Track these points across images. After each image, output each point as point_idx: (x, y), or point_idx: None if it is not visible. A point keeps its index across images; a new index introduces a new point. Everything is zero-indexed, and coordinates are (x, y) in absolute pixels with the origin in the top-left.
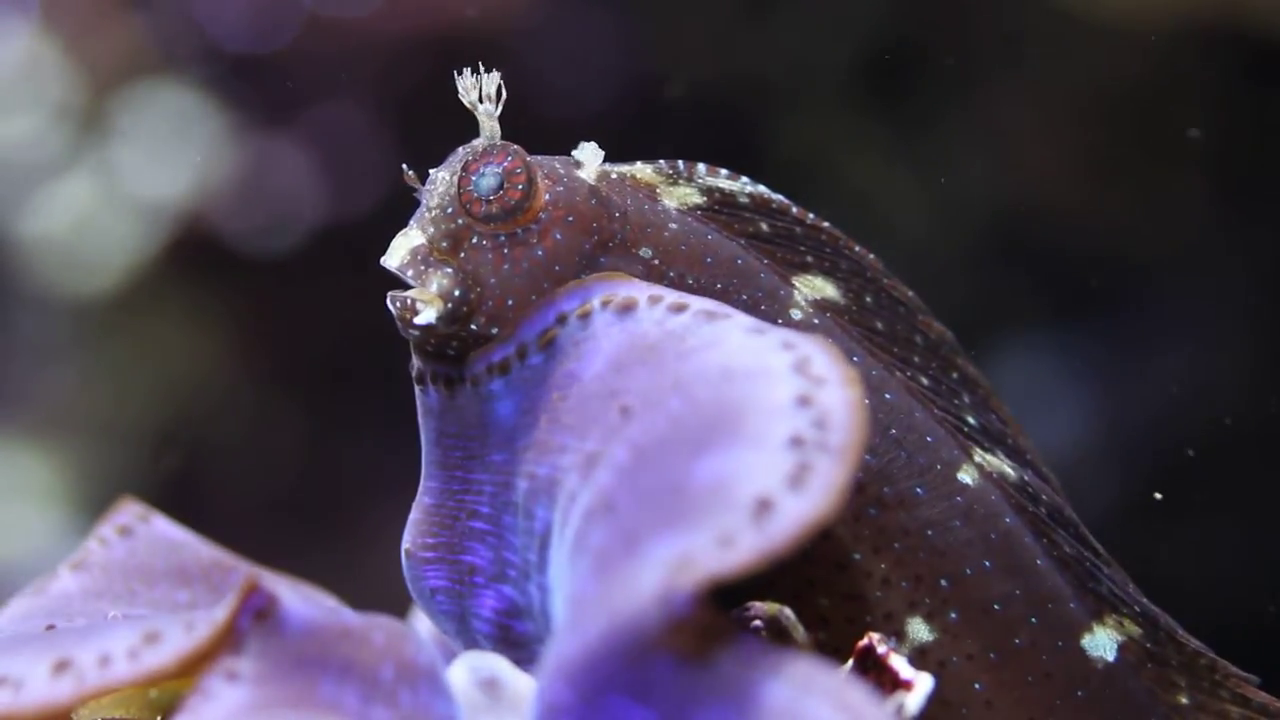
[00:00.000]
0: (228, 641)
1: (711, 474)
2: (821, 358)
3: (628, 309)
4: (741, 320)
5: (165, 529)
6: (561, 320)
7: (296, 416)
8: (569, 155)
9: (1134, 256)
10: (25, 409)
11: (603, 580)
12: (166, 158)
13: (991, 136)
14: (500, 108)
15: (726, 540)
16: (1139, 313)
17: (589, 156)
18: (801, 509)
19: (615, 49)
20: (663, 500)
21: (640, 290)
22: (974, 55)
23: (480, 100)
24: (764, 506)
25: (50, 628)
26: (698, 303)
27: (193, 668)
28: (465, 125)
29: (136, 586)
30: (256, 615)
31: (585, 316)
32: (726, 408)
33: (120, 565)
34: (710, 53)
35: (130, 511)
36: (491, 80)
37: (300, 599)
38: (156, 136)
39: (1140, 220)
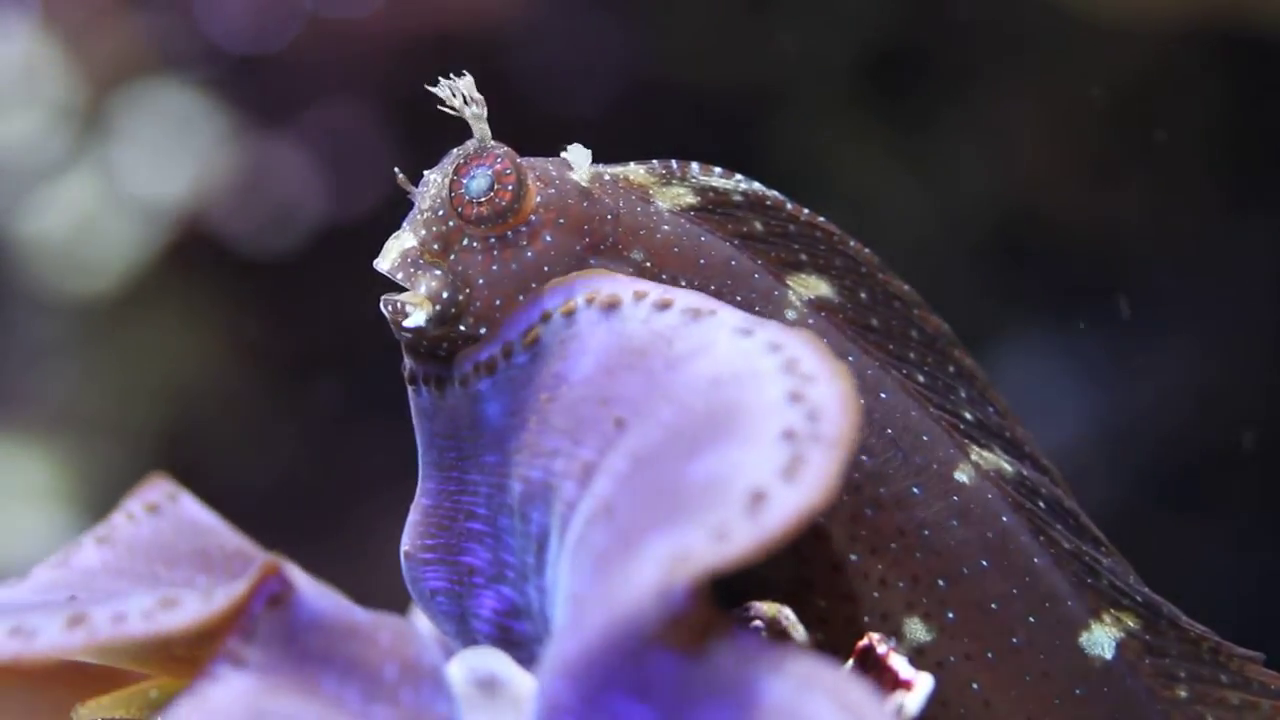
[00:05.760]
0: (239, 622)
1: (706, 472)
2: (810, 356)
3: (612, 306)
4: (728, 319)
5: (193, 510)
6: (545, 318)
7: (296, 416)
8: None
9: (1134, 256)
10: (25, 409)
11: (602, 579)
12: (166, 158)
13: (991, 136)
14: (485, 109)
15: (722, 533)
16: (1139, 312)
17: (578, 158)
18: (796, 499)
19: (615, 49)
20: (660, 501)
21: (624, 286)
22: (974, 55)
23: (465, 103)
24: (758, 499)
25: (72, 599)
26: (683, 299)
27: (203, 640)
28: (465, 125)
29: (158, 568)
30: (270, 600)
31: (569, 314)
32: (719, 411)
33: (145, 544)
34: (711, 52)
35: (160, 489)
36: (467, 83)
37: (316, 591)
38: (156, 136)
39: (1140, 220)
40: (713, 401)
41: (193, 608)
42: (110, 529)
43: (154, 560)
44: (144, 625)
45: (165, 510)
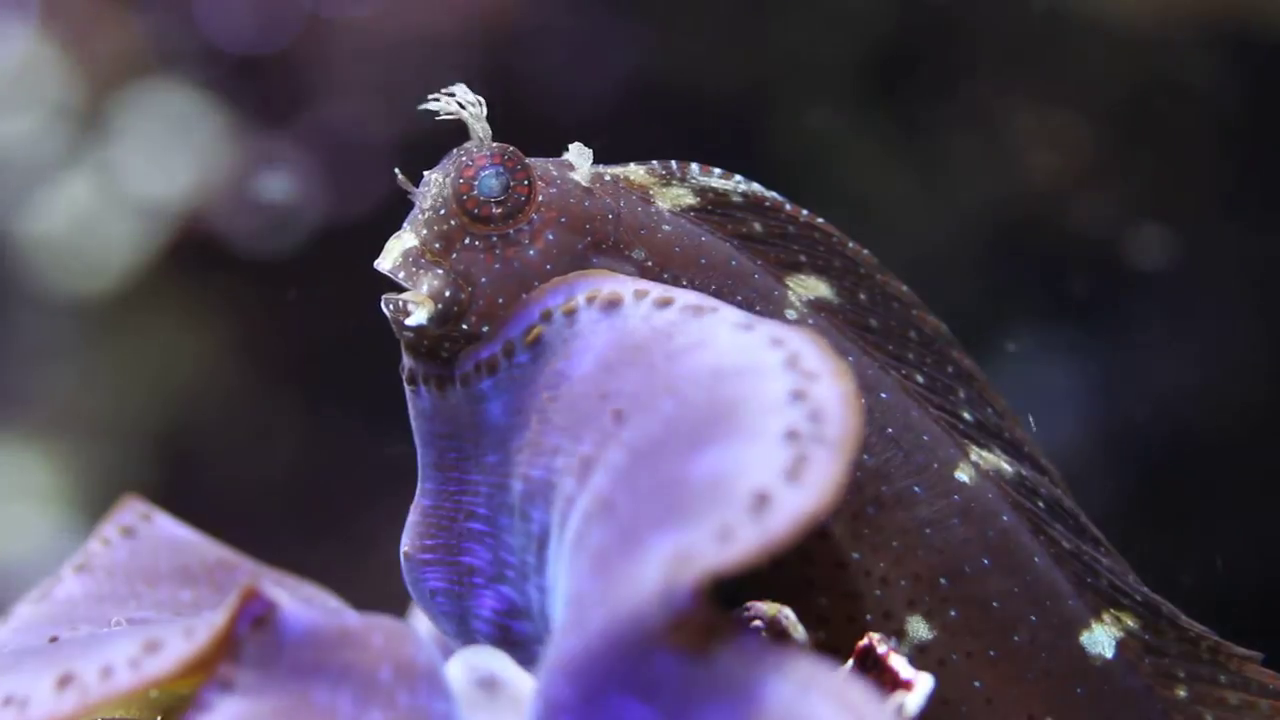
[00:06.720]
0: (226, 648)
1: (709, 470)
2: (812, 352)
3: (613, 305)
4: (729, 315)
5: (168, 527)
6: (546, 317)
7: (296, 416)
8: (562, 157)
9: (1134, 256)
10: (25, 409)
11: (603, 578)
12: (166, 158)
13: (993, 138)
14: (484, 109)
15: (726, 535)
16: (1139, 313)
17: (578, 157)
18: (800, 502)
19: (616, 49)
20: (661, 498)
21: (625, 285)
22: (975, 55)
23: (463, 106)
24: (762, 500)
25: (54, 639)
26: (684, 297)
27: (192, 673)
28: (465, 126)
29: (140, 588)
30: (254, 622)
31: (571, 313)
32: (720, 406)
33: (124, 567)
34: (711, 52)
35: (133, 510)
36: (462, 89)
37: (299, 603)
38: (156, 136)
39: (1141, 220)
40: (714, 394)
41: (177, 647)
42: (88, 556)
43: (135, 581)
44: (132, 677)
45: (140, 531)
